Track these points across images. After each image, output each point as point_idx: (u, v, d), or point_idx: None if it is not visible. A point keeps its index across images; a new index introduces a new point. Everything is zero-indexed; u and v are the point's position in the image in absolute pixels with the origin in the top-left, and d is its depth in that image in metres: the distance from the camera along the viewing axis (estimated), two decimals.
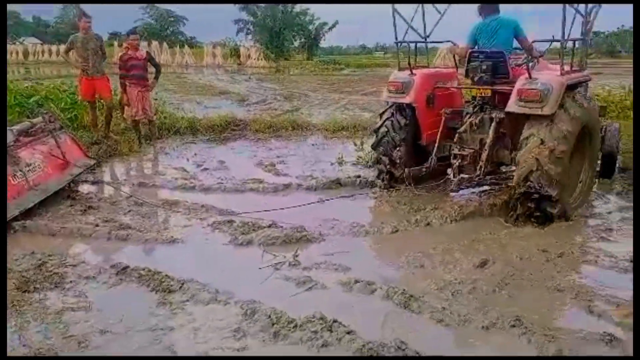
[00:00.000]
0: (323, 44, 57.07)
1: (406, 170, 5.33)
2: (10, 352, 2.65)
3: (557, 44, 4.60)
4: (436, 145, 5.25)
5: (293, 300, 3.25)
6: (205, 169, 6.66)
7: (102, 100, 7.95)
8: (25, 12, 65.77)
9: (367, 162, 6.80)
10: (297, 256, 3.86)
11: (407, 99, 5.24)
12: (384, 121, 5.46)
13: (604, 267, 3.69)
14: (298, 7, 47.42)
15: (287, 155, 7.59)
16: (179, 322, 2.95)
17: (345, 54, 79.03)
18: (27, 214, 4.50)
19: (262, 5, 46.43)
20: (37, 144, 5.12)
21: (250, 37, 48.35)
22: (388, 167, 5.45)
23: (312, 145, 8.52)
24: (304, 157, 7.47)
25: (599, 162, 5.39)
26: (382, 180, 5.61)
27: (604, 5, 4.89)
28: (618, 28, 49.15)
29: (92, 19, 7.75)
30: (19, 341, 2.75)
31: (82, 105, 8.42)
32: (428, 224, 4.53)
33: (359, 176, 6.13)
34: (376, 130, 5.59)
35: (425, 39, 5.67)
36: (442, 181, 5.49)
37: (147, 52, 8.12)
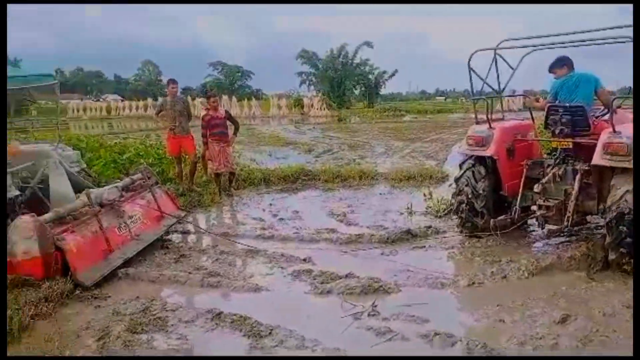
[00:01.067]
0: (383, 91, 58.17)
1: (491, 220, 5.44)
2: None
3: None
4: (519, 195, 5.37)
5: (375, 350, 3.41)
6: (281, 218, 7.04)
7: (186, 156, 8.70)
8: (107, 72, 72.21)
9: (437, 212, 6.92)
10: (375, 306, 4.02)
11: (488, 152, 5.44)
12: (464, 171, 5.69)
13: None
14: (358, 58, 48.88)
15: (357, 204, 7.84)
16: None
17: (406, 100, 79.76)
18: (129, 262, 5.01)
19: (323, 57, 48.31)
20: (137, 198, 5.73)
21: (312, 87, 50.24)
22: (471, 216, 5.61)
23: (380, 194, 8.74)
24: (373, 206, 7.69)
25: None
26: (466, 229, 5.76)
27: None
28: None
29: (178, 84, 8.68)
30: None
31: (168, 160, 9.23)
32: (504, 277, 4.55)
33: (429, 226, 6.25)
34: (457, 180, 5.82)
35: (500, 93, 5.87)
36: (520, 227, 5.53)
37: (226, 111, 8.87)
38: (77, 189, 5.42)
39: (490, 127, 5.54)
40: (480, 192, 5.51)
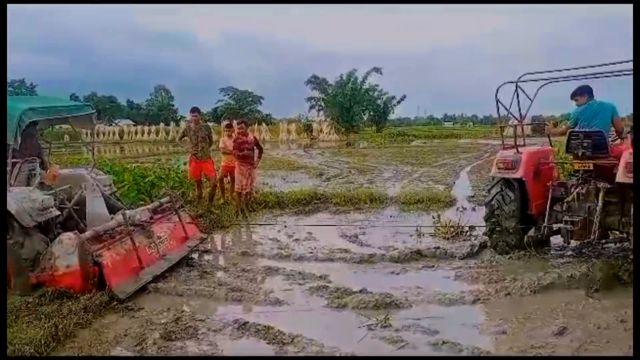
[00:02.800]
0: (391, 116, 58.99)
1: (525, 237, 5.98)
2: None
3: None
4: (547, 214, 5.88)
5: (389, 355, 3.74)
6: (296, 239, 7.42)
7: (206, 179, 9.19)
8: (120, 97, 73.68)
9: (446, 234, 7.26)
10: (388, 319, 4.36)
11: (517, 174, 5.95)
12: (495, 195, 6.16)
13: None
14: (367, 84, 49.74)
15: (368, 226, 8.21)
16: None
17: (414, 125, 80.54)
18: (158, 278, 5.39)
19: (332, 82, 49.21)
20: (164, 220, 6.16)
21: (321, 112, 51.04)
22: (503, 236, 6.08)
23: (390, 217, 9.11)
24: (384, 228, 8.05)
25: None
26: (498, 249, 6.21)
27: None
28: None
29: (199, 112, 9.28)
30: None
31: (188, 183, 9.71)
32: (508, 294, 4.87)
33: (438, 247, 6.60)
34: (487, 204, 6.30)
35: (521, 121, 6.38)
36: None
37: (254, 137, 9.42)
38: (111, 210, 5.85)
39: (518, 151, 6.05)
40: (511, 213, 5.98)
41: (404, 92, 77.01)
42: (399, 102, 53.77)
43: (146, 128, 51.08)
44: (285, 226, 8.32)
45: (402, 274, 5.71)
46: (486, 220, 6.28)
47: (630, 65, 5.19)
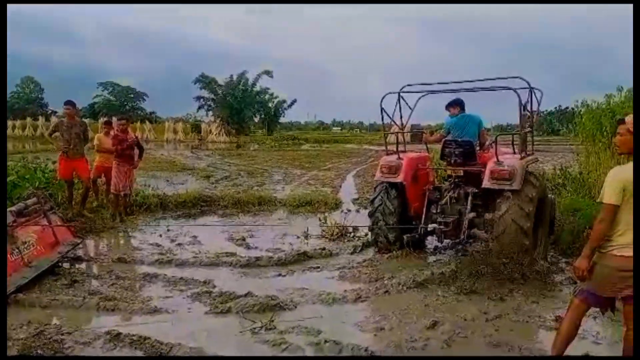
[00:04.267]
0: (282, 119, 59.53)
1: (404, 237, 6.28)
2: None
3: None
4: (424, 215, 6.32)
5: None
6: (179, 244, 7.10)
7: (78, 180, 8.41)
8: None
9: (331, 235, 7.46)
10: (272, 321, 4.34)
11: (398, 179, 6.31)
12: (379, 193, 6.48)
13: (534, 325, 4.37)
14: (258, 86, 49.68)
15: (256, 229, 8.14)
16: None
17: (304, 129, 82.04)
18: (21, 288, 4.80)
19: (222, 83, 48.31)
20: (31, 223, 5.51)
21: (211, 113, 49.81)
22: (384, 231, 6.37)
23: (279, 219, 9.14)
24: (272, 231, 8.04)
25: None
26: (379, 243, 6.52)
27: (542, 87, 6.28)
28: (555, 108, 54.61)
29: (75, 108, 8.49)
30: None
31: (56, 184, 8.82)
32: (386, 291, 5.12)
33: (323, 248, 6.76)
34: (372, 201, 6.61)
35: (403, 129, 6.85)
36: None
37: (135, 136, 8.83)
38: None
39: (399, 157, 6.42)
40: (392, 214, 6.33)
41: (295, 96, 78.11)
42: (289, 106, 54.48)
43: (11, 122, 45.69)
44: (168, 229, 7.93)
45: (288, 276, 5.73)
46: (370, 216, 6.60)
47: (491, 83, 6.01)
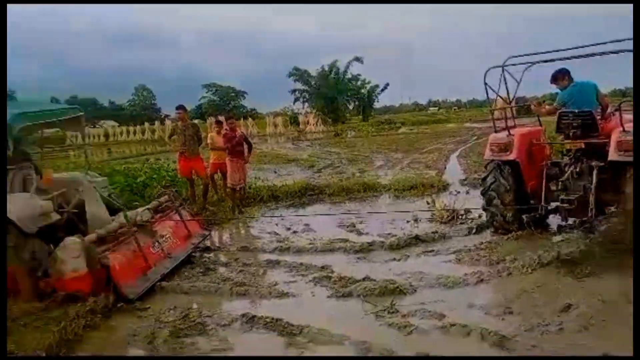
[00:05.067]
0: (376, 104, 59.04)
1: (524, 217, 5.96)
2: None
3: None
4: (543, 193, 5.92)
5: (399, 340, 3.78)
6: (294, 232, 7.43)
7: (198, 177, 9.15)
8: (101, 99, 72.57)
9: (442, 218, 7.33)
10: (394, 305, 4.40)
11: (511, 157, 6.03)
12: (491, 171, 6.24)
13: None
14: (349, 74, 49.72)
15: (364, 215, 8.24)
16: None
17: (400, 112, 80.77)
18: (163, 277, 5.37)
19: (314, 74, 49.12)
20: (165, 219, 6.14)
21: (306, 104, 50.98)
22: (500, 210, 6.11)
23: (386, 204, 9.16)
24: (380, 216, 8.08)
25: None
26: (496, 223, 6.29)
27: None
28: None
29: (185, 111, 9.27)
30: None
31: (181, 181, 9.65)
32: (509, 273, 4.94)
33: (436, 232, 6.67)
34: (484, 179, 6.38)
35: (510, 104, 6.54)
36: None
37: (242, 133, 9.41)
38: (110, 212, 5.80)
39: (510, 133, 6.11)
40: (507, 187, 6.05)
41: (387, 80, 77.07)
42: (382, 90, 53.86)
43: (131, 128, 50.48)
44: (282, 219, 8.33)
45: (403, 260, 5.75)
46: (483, 197, 6.36)
47: (603, 48, 5.44)
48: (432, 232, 6.66)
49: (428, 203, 8.37)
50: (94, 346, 3.91)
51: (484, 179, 6.36)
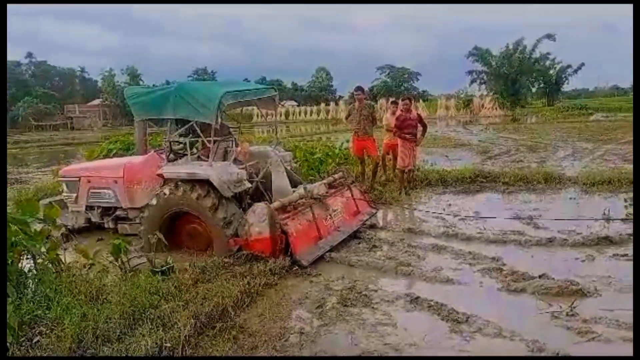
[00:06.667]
0: (566, 87, 52.98)
1: None
2: (342, 351, 3.56)
3: None
4: None
5: (577, 347, 3.45)
6: (462, 218, 7.18)
7: (368, 157, 9.41)
8: (285, 79, 78.42)
9: None
10: (574, 307, 4.01)
11: None
12: None
13: None
14: (537, 53, 45.25)
15: (544, 208, 7.57)
16: (473, 348, 3.48)
17: (594, 97, 71.29)
18: (332, 248, 5.73)
19: (497, 54, 45.88)
20: (338, 194, 6.51)
21: (483, 86, 48.07)
22: None
23: (571, 199, 8.28)
24: (564, 211, 7.33)
25: None
26: None
27: None
28: None
29: (363, 92, 9.47)
30: (350, 342, 3.67)
31: (352, 160, 10.05)
32: None
33: (631, 234, 5.82)
34: None
35: None
36: None
37: (418, 114, 9.32)
38: (292, 184, 6.37)
39: None
40: None
41: (583, 59, 68.21)
42: (575, 72, 47.96)
43: (308, 108, 53.91)
44: (450, 204, 8.12)
45: (587, 261, 5.18)
46: None
47: None
48: (627, 234, 5.84)
49: (625, 201, 7.34)
50: (270, 302, 4.38)
51: None
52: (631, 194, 7.83)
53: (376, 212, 7.20)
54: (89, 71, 69.28)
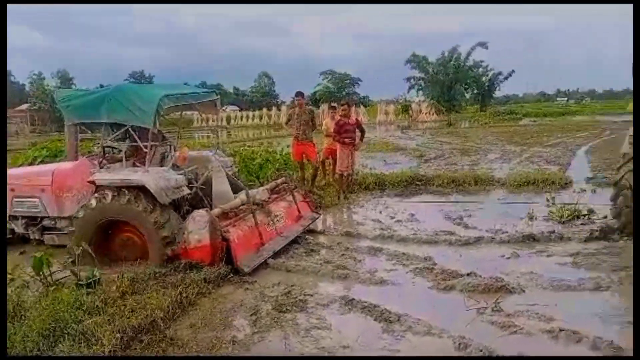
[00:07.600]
0: (497, 93, 55.75)
1: None
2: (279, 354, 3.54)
3: None
4: None
5: (500, 340, 3.62)
6: (398, 220, 7.37)
7: (309, 161, 9.45)
8: (226, 84, 77.33)
9: (561, 217, 6.79)
10: (498, 303, 4.20)
11: None
12: (625, 174, 5.66)
13: None
14: (471, 60, 47.43)
15: (474, 209, 7.91)
16: (403, 347, 3.57)
17: (523, 102, 75.52)
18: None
19: (434, 61, 47.60)
20: (280, 200, 6.48)
21: (421, 92, 49.66)
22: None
23: (498, 199, 8.70)
24: (492, 211, 7.70)
25: None
26: (628, 231, 5.72)
27: None
28: None
29: (304, 98, 9.52)
30: (283, 348, 3.65)
31: (292, 165, 10.06)
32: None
33: (553, 232, 6.21)
34: (616, 183, 5.84)
35: None
36: None
37: (356, 119, 9.46)
38: (233, 189, 6.25)
39: None
40: None
41: (512, 67, 72.15)
42: (506, 78, 50.62)
43: (250, 113, 53.39)
44: (387, 207, 8.30)
45: (512, 259, 5.45)
46: (613, 201, 5.78)
47: None
48: (549, 232, 6.22)
49: (547, 200, 7.81)
50: (203, 311, 4.27)
51: (618, 182, 5.77)
52: (553, 194, 8.36)
53: (319, 217, 7.23)
54: (15, 74, 65.19)
